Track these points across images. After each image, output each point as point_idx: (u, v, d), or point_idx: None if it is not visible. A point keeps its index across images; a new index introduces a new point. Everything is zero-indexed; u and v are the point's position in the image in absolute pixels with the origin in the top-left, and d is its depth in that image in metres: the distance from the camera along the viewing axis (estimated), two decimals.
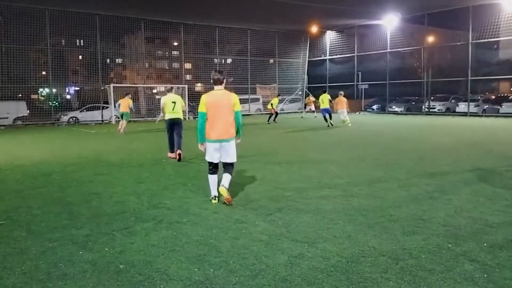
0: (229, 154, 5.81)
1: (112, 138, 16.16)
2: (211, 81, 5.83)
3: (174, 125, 9.99)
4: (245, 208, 5.60)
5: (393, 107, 30.59)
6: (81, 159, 10.44)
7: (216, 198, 5.87)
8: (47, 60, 24.59)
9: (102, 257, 3.98)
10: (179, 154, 9.72)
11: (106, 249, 4.20)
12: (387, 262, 3.75)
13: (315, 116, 26.67)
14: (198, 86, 34.45)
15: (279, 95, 26.13)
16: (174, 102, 10.03)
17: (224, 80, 5.79)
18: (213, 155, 5.83)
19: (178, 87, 30.23)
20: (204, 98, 5.74)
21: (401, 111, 30.02)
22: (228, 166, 5.91)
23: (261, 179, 7.47)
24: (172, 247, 4.21)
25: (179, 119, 10.07)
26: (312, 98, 27.85)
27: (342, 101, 19.92)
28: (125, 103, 17.57)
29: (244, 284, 3.37)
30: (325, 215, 5.19)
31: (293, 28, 32.19)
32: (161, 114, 10.59)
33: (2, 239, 4.54)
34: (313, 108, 27.30)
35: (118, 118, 24.80)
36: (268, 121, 23.18)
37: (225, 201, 5.67)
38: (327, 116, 19.08)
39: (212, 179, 5.90)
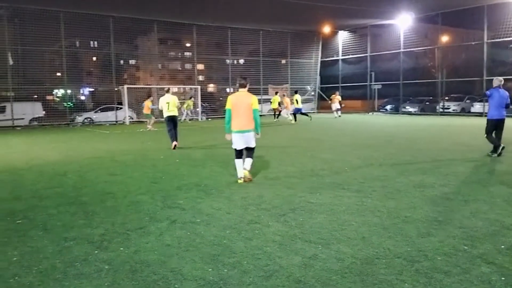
0: (250, 141, 7.26)
1: (126, 138, 16.31)
2: (237, 84, 7.44)
3: (171, 121, 12.18)
4: (258, 208, 5.60)
5: (407, 107, 30.29)
6: (96, 159, 10.55)
7: (242, 179, 7.14)
8: (62, 61, 24.91)
9: (117, 257, 4.02)
10: (175, 145, 11.94)
11: (121, 248, 4.24)
12: (402, 264, 3.72)
13: (336, 117, 26.46)
14: (211, 87, 34.56)
15: (276, 93, 26.17)
16: (168, 103, 12.19)
17: (247, 85, 7.33)
18: (237, 143, 7.23)
19: (190, 88, 30.41)
20: (229, 98, 7.28)
21: (415, 111, 29.71)
22: (249, 151, 7.32)
23: (273, 180, 7.46)
24: (186, 247, 4.23)
25: (175, 115, 12.26)
26: (338, 97, 27.28)
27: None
28: (146, 105, 20.45)
29: (258, 285, 3.37)
30: (339, 216, 5.17)
31: (305, 29, 32.13)
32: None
33: (19, 238, 4.61)
34: (338, 106, 26.88)
35: (132, 118, 25.27)
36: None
37: (246, 180, 7.14)
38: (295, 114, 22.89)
39: (238, 163, 7.26)
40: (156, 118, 21.39)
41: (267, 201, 5.99)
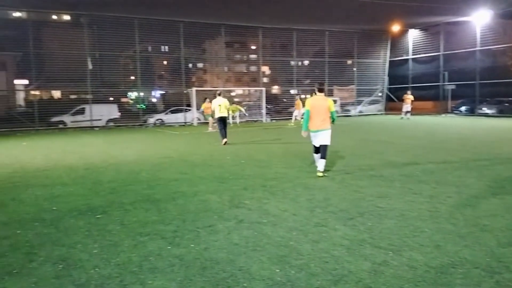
0: (324, 139, 8.09)
1: (194, 139, 16.85)
2: (316, 89, 8.28)
3: (222, 121, 13.99)
4: (325, 211, 5.54)
5: (484, 109, 28.34)
6: (167, 159, 11.01)
7: (321, 173, 7.94)
8: (136, 65, 26.31)
9: (188, 253, 4.17)
10: (225, 142, 13.72)
11: (192, 245, 4.39)
12: (481, 275, 3.50)
13: (401, 118, 25.76)
14: (275, 89, 34.72)
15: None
16: (220, 105, 13.85)
17: (325, 89, 8.34)
18: (314, 140, 8.22)
19: (255, 90, 30.76)
20: (309, 100, 8.24)
21: (492, 113, 27.75)
22: (323, 148, 8.07)
23: (340, 182, 7.35)
24: (254, 247, 4.29)
25: (225, 116, 14.17)
26: (410, 96, 26.29)
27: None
28: (206, 107, 21.20)
29: None
30: (410, 222, 4.97)
31: (373, 28, 31.24)
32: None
33: (99, 232, 4.93)
34: (409, 108, 26.04)
35: (200, 120, 25.86)
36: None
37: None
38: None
39: (317, 157, 8.21)
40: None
41: (333, 204, 5.91)
